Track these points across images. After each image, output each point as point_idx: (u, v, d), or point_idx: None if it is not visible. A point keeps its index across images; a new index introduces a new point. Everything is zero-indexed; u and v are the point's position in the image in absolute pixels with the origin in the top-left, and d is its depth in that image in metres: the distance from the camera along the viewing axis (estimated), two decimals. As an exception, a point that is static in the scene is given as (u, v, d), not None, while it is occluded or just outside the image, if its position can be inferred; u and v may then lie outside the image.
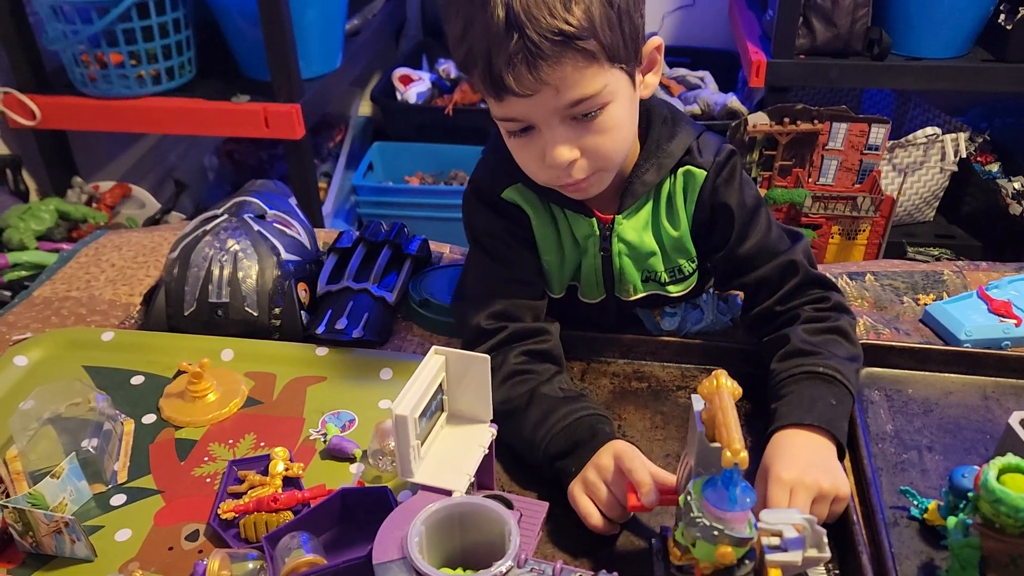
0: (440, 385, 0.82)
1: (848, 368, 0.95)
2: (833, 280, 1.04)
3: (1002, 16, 2.19)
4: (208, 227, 1.12)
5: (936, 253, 2.34)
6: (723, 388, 0.72)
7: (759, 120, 2.26)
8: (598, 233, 1.01)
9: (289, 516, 0.83)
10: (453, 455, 0.82)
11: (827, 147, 2.28)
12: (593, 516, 0.84)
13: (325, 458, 0.94)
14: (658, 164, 0.99)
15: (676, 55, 2.83)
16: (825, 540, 0.69)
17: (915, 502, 0.87)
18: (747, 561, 0.69)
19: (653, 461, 0.90)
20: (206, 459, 0.94)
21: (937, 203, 2.45)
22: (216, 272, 1.08)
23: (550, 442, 0.90)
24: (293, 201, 1.26)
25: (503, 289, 1.02)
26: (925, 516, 0.86)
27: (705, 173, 1.00)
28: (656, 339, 1.10)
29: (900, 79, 2.28)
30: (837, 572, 0.82)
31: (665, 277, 1.05)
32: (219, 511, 0.85)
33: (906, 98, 2.62)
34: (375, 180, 2.53)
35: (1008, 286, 1.15)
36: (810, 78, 2.31)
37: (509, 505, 0.84)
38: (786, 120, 2.25)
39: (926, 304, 1.16)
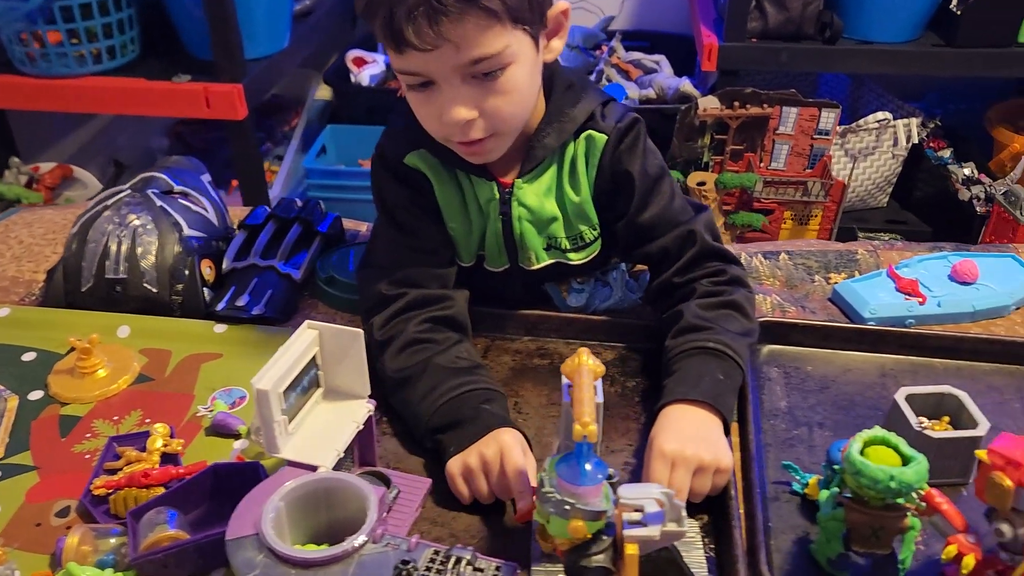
0: (314, 360, 0.81)
1: (739, 343, 0.94)
2: (734, 254, 1.03)
3: (954, 1, 2.18)
4: (109, 202, 1.11)
5: (886, 238, 2.34)
6: (583, 366, 0.71)
7: (709, 104, 2.25)
8: (498, 197, 1.00)
9: (161, 492, 0.82)
10: (326, 431, 0.81)
11: (778, 132, 2.27)
12: (464, 500, 0.84)
13: (210, 435, 0.93)
14: (560, 128, 0.98)
15: (635, 39, 2.82)
16: (684, 514, 0.68)
17: (797, 477, 0.87)
18: (605, 536, 0.68)
19: (546, 437, 0.89)
20: (88, 435, 0.93)
21: (890, 189, 2.45)
22: (114, 248, 1.07)
23: (433, 414, 0.89)
24: (206, 178, 1.24)
25: (407, 257, 1.01)
26: (806, 491, 0.86)
27: (606, 138, 0.99)
28: (561, 316, 1.10)
29: (851, 63, 2.28)
30: (713, 546, 0.82)
31: (567, 244, 1.04)
32: (91, 487, 0.84)
33: (860, 83, 2.62)
34: (327, 163, 2.51)
35: (918, 265, 1.15)
36: (762, 62, 2.30)
37: (387, 481, 0.84)
38: (736, 104, 2.24)
39: (836, 283, 1.16)
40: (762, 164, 2.29)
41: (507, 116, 0.90)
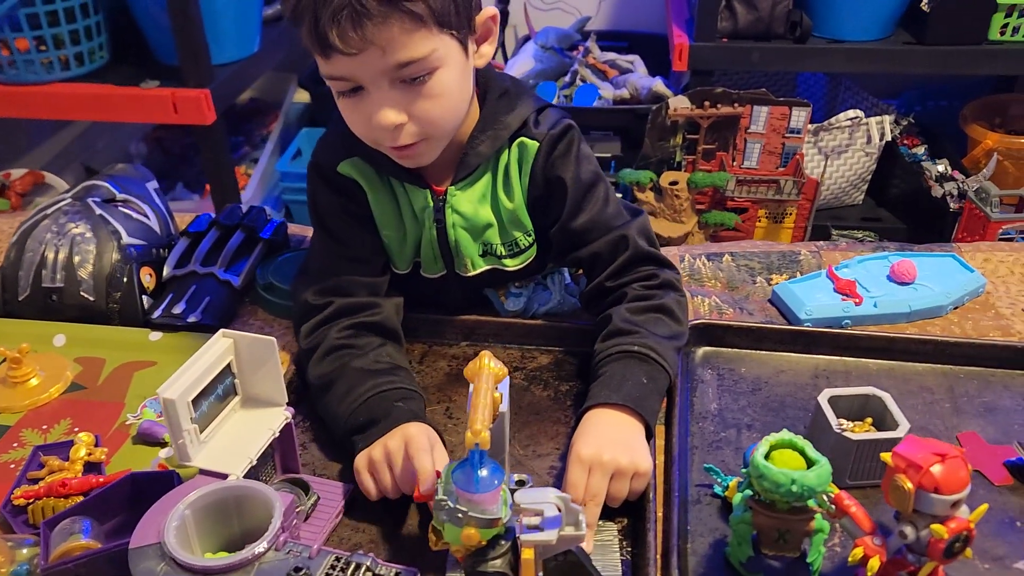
0: (229, 368, 0.82)
1: (665, 346, 0.94)
2: (668, 259, 1.03)
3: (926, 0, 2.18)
4: (49, 211, 1.11)
5: (860, 235, 2.34)
6: (483, 369, 0.71)
7: (680, 104, 2.25)
8: (432, 204, 1.00)
9: (80, 501, 0.83)
10: (241, 439, 0.81)
11: (749, 131, 2.27)
12: (371, 495, 0.84)
13: (137, 443, 0.93)
14: (494, 135, 0.99)
15: (613, 40, 2.82)
16: (582, 518, 0.68)
17: (718, 479, 0.87)
18: (503, 542, 0.68)
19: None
20: (15, 445, 0.93)
21: (865, 186, 2.45)
22: (51, 256, 1.07)
23: (350, 416, 0.90)
24: (152, 185, 1.25)
25: (337, 266, 1.02)
26: (726, 493, 0.86)
27: (538, 145, 0.99)
28: (498, 320, 1.10)
29: (822, 62, 2.28)
30: (630, 549, 0.82)
31: (502, 250, 1.04)
32: (11, 497, 0.84)
33: (836, 82, 2.61)
34: (302, 166, 2.52)
35: (858, 266, 1.15)
36: (732, 61, 2.30)
37: (306, 488, 0.84)
38: (707, 103, 2.24)
39: (777, 284, 1.16)
40: (735, 163, 2.29)
41: (437, 120, 0.90)
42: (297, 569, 0.66)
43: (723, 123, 2.27)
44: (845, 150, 2.36)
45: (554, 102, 2.41)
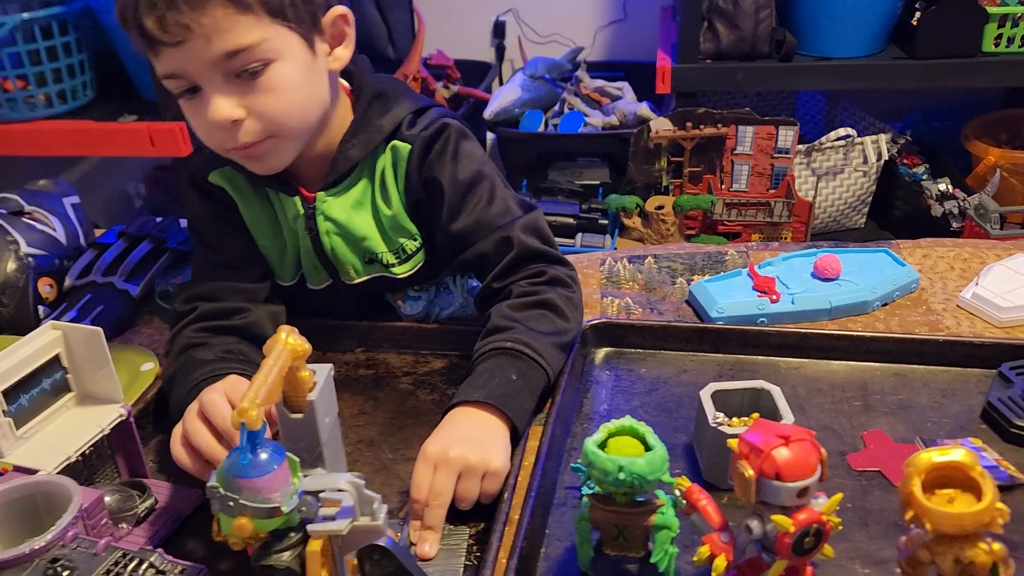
0: (58, 361, 0.78)
1: (543, 342, 0.89)
2: (560, 256, 0.98)
3: (917, 14, 2.12)
4: (-51, 223, 1.11)
5: (856, 258, 2.24)
6: (277, 343, 0.66)
7: (661, 126, 2.20)
8: (303, 212, 0.97)
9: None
10: (68, 437, 0.77)
11: (735, 152, 2.20)
12: (189, 470, 0.79)
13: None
14: (366, 138, 0.95)
15: (609, 70, 2.79)
16: (377, 507, 0.62)
17: (588, 481, 0.80)
18: (293, 534, 0.62)
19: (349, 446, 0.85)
20: None
21: (866, 209, 2.35)
22: (-58, 266, 1.06)
23: (182, 405, 0.85)
24: (70, 200, 1.24)
25: (209, 272, 0.99)
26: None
27: (410, 147, 0.95)
28: (393, 325, 1.05)
29: (810, 80, 2.22)
30: (478, 554, 0.76)
31: (390, 258, 1.00)
32: None
33: (835, 103, 2.54)
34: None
35: (783, 263, 1.08)
36: (717, 82, 2.25)
37: (143, 491, 0.80)
38: (689, 125, 2.19)
39: (695, 284, 1.09)
40: (723, 186, 2.22)
41: (277, 115, 0.86)
42: (54, 560, 0.61)
43: (709, 145, 2.21)
44: (840, 171, 2.28)
45: (540, 129, 2.38)
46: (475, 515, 0.79)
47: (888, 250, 1.08)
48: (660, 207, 2.18)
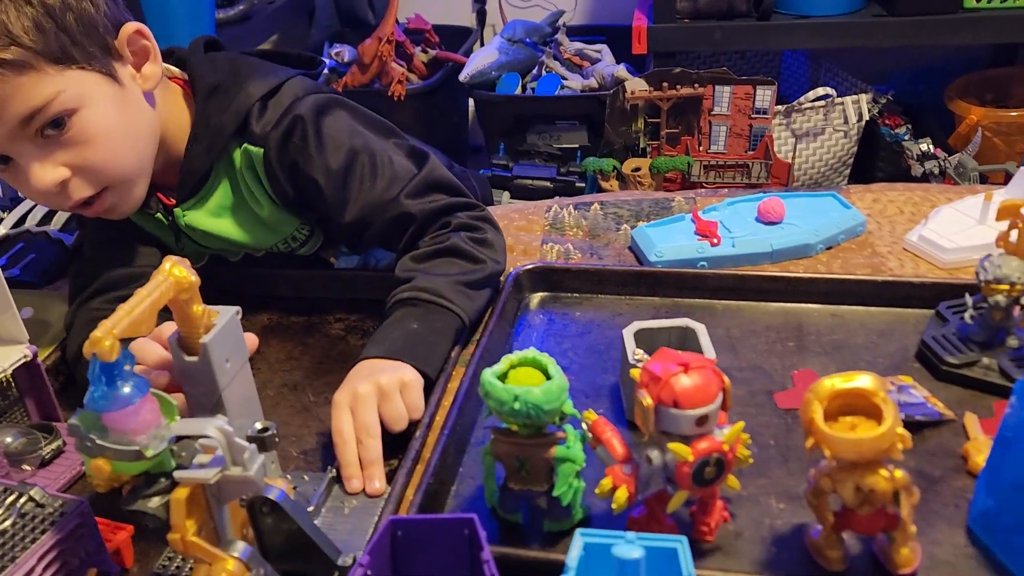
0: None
1: (445, 283, 0.85)
2: (466, 200, 0.93)
3: (897, -31, 2.07)
4: None
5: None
6: (162, 273, 0.63)
7: (637, 86, 2.16)
8: (168, 223, 0.93)
9: None
10: (-34, 375, 0.75)
11: (713, 112, 2.16)
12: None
13: None
14: (208, 143, 0.88)
15: (590, 34, 2.75)
16: (249, 457, 0.58)
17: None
18: (164, 480, 0.59)
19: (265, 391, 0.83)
20: None
21: (847, 170, 2.32)
22: None
23: None
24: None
25: (99, 257, 0.95)
26: (508, 435, 0.77)
27: (262, 151, 0.89)
28: (328, 272, 1.03)
29: (788, 39, 2.18)
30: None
31: (282, 247, 0.97)
32: None
33: (818, 65, 2.50)
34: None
35: (727, 208, 1.05)
36: (694, 42, 2.22)
37: (49, 432, 0.78)
38: (665, 85, 2.15)
39: (636, 229, 1.07)
40: (701, 148, 2.19)
41: (101, 166, 0.79)
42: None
43: (686, 106, 2.17)
44: (821, 132, 2.25)
45: (516, 92, 2.35)
46: (388, 454, 0.77)
47: (835, 194, 1.05)
48: (637, 169, 2.14)
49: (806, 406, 0.59)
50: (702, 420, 0.60)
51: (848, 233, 1.01)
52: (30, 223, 1.11)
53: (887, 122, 2.28)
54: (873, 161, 2.28)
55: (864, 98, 2.19)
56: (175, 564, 0.68)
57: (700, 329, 0.79)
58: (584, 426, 0.67)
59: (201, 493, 0.59)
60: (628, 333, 0.80)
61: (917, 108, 2.33)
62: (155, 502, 0.58)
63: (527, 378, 0.65)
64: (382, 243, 0.94)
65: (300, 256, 1.01)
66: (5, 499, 0.61)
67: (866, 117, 2.20)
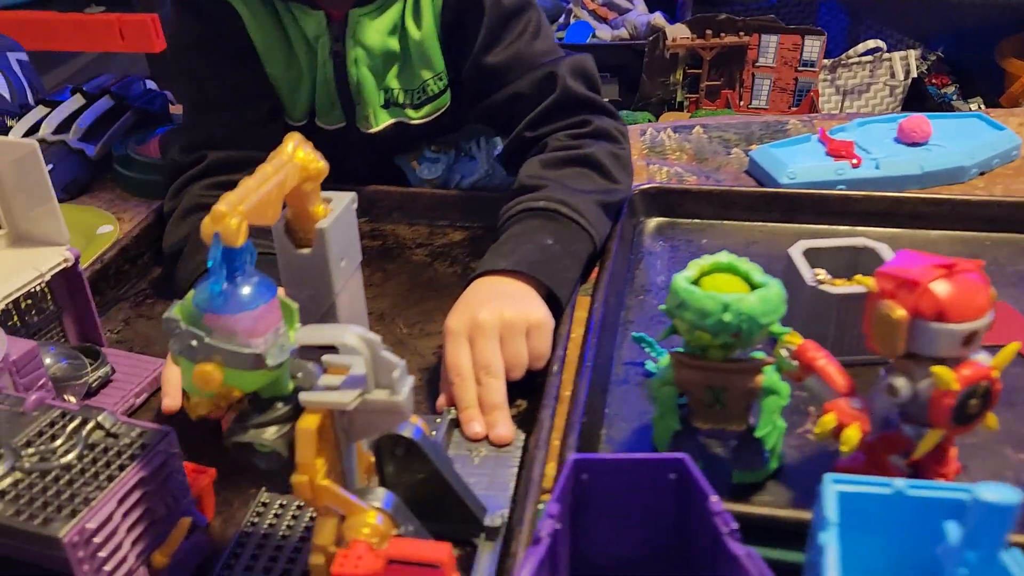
0: (-18, 188, 0.61)
1: (584, 200, 0.73)
2: (611, 107, 0.81)
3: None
4: None
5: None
6: (281, 153, 0.49)
7: (679, 33, 2.03)
8: (328, 32, 0.80)
9: None
10: (-5, 280, 0.60)
11: (757, 64, 2.04)
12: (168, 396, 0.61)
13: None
14: None
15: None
16: (399, 377, 0.44)
17: (651, 352, 0.64)
18: (280, 405, 0.45)
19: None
20: None
21: (892, 131, 2.19)
22: None
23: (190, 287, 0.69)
24: (16, 56, 1.06)
25: (209, 113, 0.82)
26: (661, 370, 0.63)
27: None
28: (403, 191, 0.89)
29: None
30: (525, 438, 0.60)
31: (404, 97, 0.84)
32: None
33: (859, 20, 2.37)
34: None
35: (858, 128, 0.92)
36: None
37: (95, 357, 0.63)
38: (709, 33, 2.02)
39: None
40: (742, 102, 2.06)
41: None
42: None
43: (729, 57, 2.04)
44: (866, 89, 2.12)
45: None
46: (515, 394, 0.63)
47: (982, 115, 0.93)
48: (674, 123, 2.00)
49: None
50: (970, 338, 0.47)
51: (1003, 157, 0.88)
52: (45, 131, 0.95)
53: (933, 81, 2.16)
54: (918, 122, 2.16)
55: (913, 54, 2.07)
56: (267, 521, 0.54)
57: (883, 249, 0.66)
58: (783, 352, 0.54)
59: (330, 426, 0.45)
60: (796, 252, 0.67)
61: (964, 67, 2.21)
62: (271, 433, 0.44)
63: (726, 286, 0.51)
64: (510, 109, 0.82)
65: (383, 155, 0.88)
66: (65, 426, 0.46)
67: (913, 74, 2.08)
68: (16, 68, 1.04)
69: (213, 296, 0.42)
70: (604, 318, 0.67)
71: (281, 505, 0.55)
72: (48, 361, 0.59)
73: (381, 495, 0.46)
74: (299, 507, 0.55)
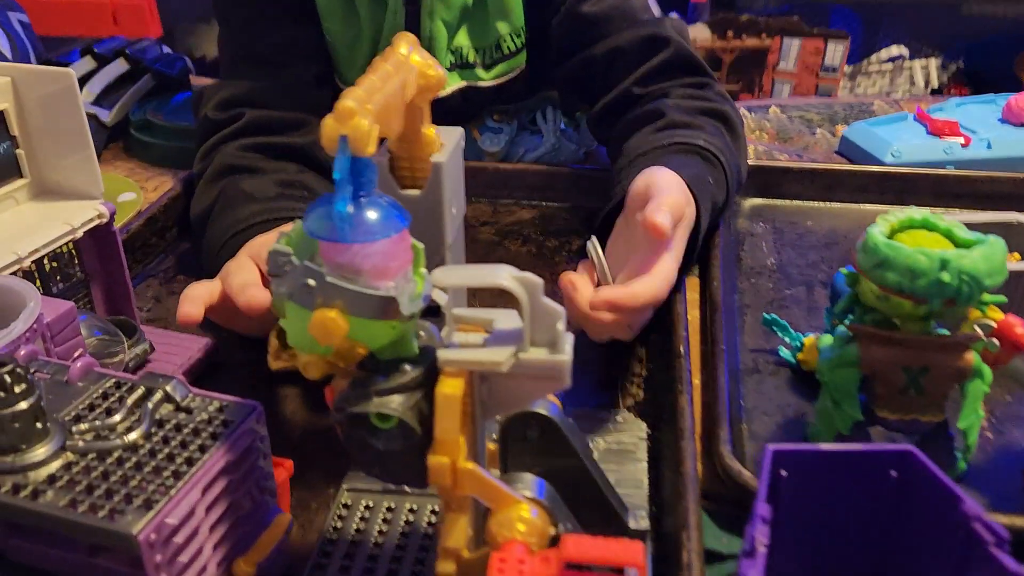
0: (3, 125, 0.51)
1: (731, 157, 0.64)
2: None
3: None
4: None
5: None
6: (399, 55, 0.39)
7: (699, 34, 1.96)
8: None
9: None
10: (16, 235, 0.50)
11: (778, 68, 1.98)
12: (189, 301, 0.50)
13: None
14: None
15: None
16: (561, 330, 0.34)
17: (786, 338, 0.55)
18: (408, 367, 0.34)
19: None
20: None
21: (910, 141, 2.14)
22: None
23: (218, 253, 0.59)
24: (17, 16, 0.95)
25: (248, 69, 0.72)
26: (799, 356, 0.54)
27: None
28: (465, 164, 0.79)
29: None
30: (649, 432, 0.50)
31: (475, 56, 0.75)
32: None
33: (876, 27, 2.32)
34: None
35: (956, 109, 0.84)
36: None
37: (131, 332, 0.53)
38: (729, 34, 1.95)
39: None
40: (760, 108, 2.00)
41: None
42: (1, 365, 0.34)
43: (748, 60, 1.97)
44: (886, 97, 2.06)
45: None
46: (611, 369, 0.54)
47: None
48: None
49: None
50: None
51: (1118, 141, 0.80)
52: (54, 93, 0.84)
53: (952, 91, 2.11)
54: (936, 134, 2.11)
55: (934, 63, 2.02)
56: (353, 524, 0.44)
57: (1041, 224, 0.58)
58: (976, 328, 0.45)
59: (470, 395, 0.35)
60: (947, 226, 0.58)
61: (984, 79, 2.16)
62: (396, 402, 0.34)
63: (929, 244, 0.42)
64: (607, 65, 0.73)
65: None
66: (122, 398, 0.36)
67: (933, 84, 2.03)
68: (17, 27, 0.93)
69: (340, 218, 0.32)
70: (724, 301, 0.58)
71: (367, 507, 0.45)
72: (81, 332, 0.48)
73: (531, 482, 0.36)
74: (389, 509, 0.45)
